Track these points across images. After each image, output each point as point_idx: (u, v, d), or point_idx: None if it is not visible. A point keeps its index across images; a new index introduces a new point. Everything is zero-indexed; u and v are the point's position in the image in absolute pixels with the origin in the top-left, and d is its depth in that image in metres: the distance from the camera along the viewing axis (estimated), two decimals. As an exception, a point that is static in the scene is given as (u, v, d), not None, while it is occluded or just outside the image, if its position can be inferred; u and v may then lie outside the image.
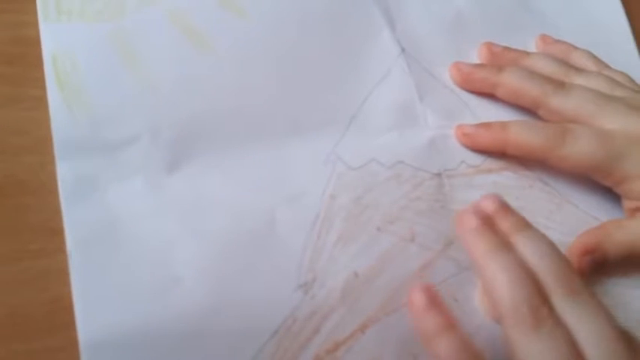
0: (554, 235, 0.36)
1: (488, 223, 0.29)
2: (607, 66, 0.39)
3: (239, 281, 0.30)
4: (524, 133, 0.35)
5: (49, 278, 0.29)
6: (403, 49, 0.39)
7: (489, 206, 0.30)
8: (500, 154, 0.37)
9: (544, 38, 0.41)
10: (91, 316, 0.28)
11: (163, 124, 0.32)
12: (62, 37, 0.32)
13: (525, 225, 0.30)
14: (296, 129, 0.35)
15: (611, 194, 0.38)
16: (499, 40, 0.41)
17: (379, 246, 0.33)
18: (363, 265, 0.32)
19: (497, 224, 0.29)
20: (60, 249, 0.29)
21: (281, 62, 0.36)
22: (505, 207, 0.30)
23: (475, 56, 0.40)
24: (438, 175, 0.36)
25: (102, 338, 0.28)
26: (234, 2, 0.36)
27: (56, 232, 0.29)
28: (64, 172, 0.30)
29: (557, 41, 0.40)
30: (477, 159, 0.37)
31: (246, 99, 0.34)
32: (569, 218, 0.37)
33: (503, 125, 0.36)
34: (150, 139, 0.32)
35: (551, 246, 0.29)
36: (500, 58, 0.39)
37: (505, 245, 0.28)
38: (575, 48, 0.40)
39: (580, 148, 0.34)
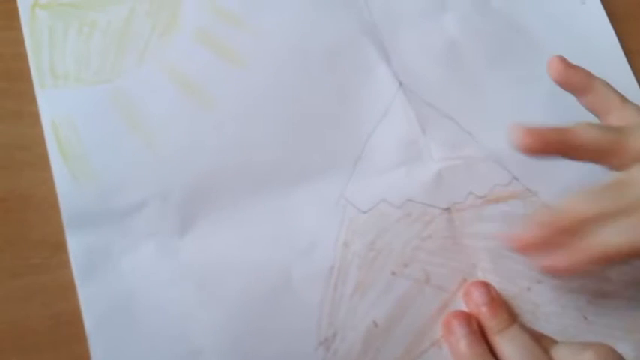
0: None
1: (473, 330, 0.32)
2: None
3: (260, 345, 0.30)
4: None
5: (51, 293, 0.29)
6: (401, 83, 0.39)
7: (478, 298, 0.33)
8: None
9: (560, 62, 0.36)
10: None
11: (171, 186, 0.32)
12: (61, 102, 0.32)
13: (508, 324, 0.32)
14: (303, 177, 0.34)
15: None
16: (493, 64, 0.40)
17: (395, 291, 0.33)
18: (381, 313, 0.32)
19: (483, 321, 0.32)
20: (62, 264, 0.29)
21: (283, 110, 0.35)
22: (493, 302, 0.33)
23: (470, 82, 0.40)
24: (448, 210, 0.36)
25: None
26: (233, 53, 0.35)
27: (58, 246, 0.29)
28: (75, 247, 0.29)
29: (575, 68, 0.37)
30: (484, 189, 0.37)
31: (251, 151, 0.34)
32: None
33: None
34: (159, 203, 0.31)
35: (529, 344, 0.31)
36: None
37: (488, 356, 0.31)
38: (594, 77, 0.36)
39: None
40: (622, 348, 0.35)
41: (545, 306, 0.35)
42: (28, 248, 0.29)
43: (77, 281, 0.28)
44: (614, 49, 0.43)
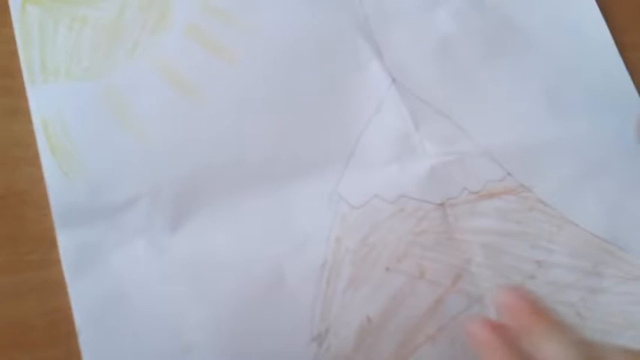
0: (559, 258, 0.36)
1: (507, 341, 0.26)
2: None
3: (252, 341, 0.29)
4: None
5: (49, 289, 0.29)
6: (394, 79, 0.38)
7: (520, 303, 0.27)
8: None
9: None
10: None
11: (163, 182, 0.31)
12: (51, 99, 0.31)
13: (558, 330, 0.26)
14: (295, 172, 0.34)
15: (612, 211, 0.38)
16: (487, 59, 0.40)
17: (389, 287, 0.33)
18: (374, 308, 0.32)
19: (524, 327, 0.26)
20: (58, 260, 0.29)
21: (274, 106, 0.35)
22: (534, 309, 0.26)
23: (464, 78, 0.40)
24: (441, 205, 0.36)
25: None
26: (224, 49, 0.35)
27: (54, 243, 0.29)
28: (66, 242, 0.29)
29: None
30: (478, 184, 0.37)
31: (243, 147, 0.34)
32: (571, 238, 0.37)
33: None
34: (150, 199, 0.31)
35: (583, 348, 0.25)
36: None
37: None
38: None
39: None
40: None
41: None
42: (24, 245, 0.29)
43: (67, 277, 0.28)
44: (607, 43, 0.43)
